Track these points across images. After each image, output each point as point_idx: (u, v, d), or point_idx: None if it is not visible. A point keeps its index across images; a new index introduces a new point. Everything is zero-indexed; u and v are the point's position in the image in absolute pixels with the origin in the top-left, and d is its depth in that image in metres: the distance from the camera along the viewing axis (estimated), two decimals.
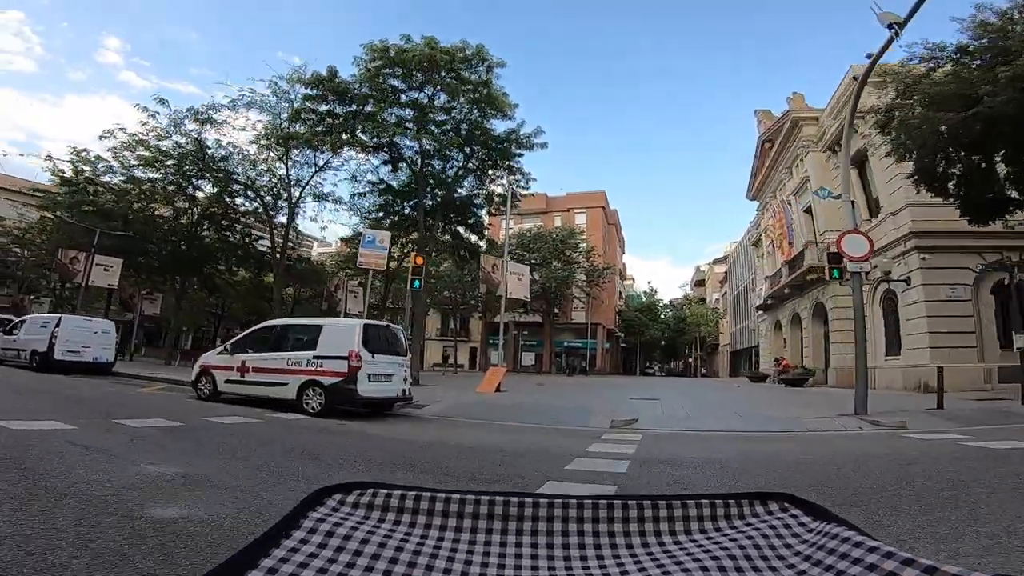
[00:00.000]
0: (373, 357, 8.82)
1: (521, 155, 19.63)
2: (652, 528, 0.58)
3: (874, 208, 20.14)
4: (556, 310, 44.09)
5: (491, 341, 51.80)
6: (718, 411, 11.01)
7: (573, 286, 42.49)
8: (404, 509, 0.59)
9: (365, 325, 9.37)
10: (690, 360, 72.56)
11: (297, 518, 0.54)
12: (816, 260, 21.40)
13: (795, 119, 25.21)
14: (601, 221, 51.04)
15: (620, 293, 64.97)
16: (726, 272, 56.24)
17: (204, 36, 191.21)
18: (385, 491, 0.60)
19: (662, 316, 58.52)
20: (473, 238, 22.39)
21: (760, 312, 33.18)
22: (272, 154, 21.80)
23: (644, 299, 61.09)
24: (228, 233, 24.87)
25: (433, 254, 21.74)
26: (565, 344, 47.45)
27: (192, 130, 20.79)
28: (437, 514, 0.59)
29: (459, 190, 20.66)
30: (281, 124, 20.43)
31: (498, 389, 14.74)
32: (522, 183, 20.59)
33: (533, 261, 38.54)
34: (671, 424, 8.70)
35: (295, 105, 19.55)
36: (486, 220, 22.89)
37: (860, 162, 20.80)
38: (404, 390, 9.58)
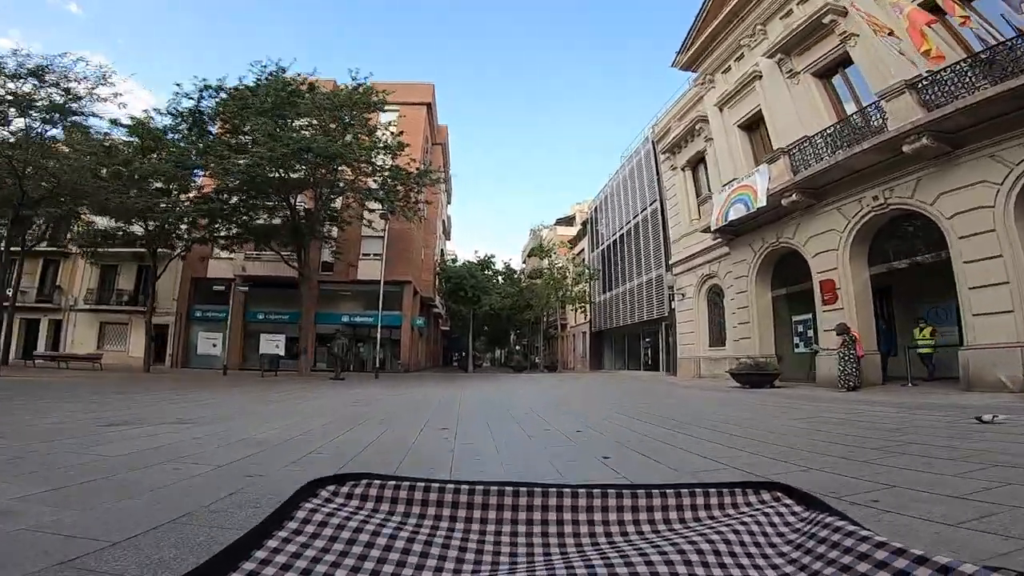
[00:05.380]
0: None
1: None
2: (647, 517, 0.57)
3: None
4: (327, 250, 22.75)
5: (199, 313, 27.72)
6: None
7: (363, 202, 21.72)
8: (398, 500, 0.57)
9: None
10: (518, 347, 58.33)
11: (290, 509, 0.52)
12: None
13: None
14: (423, 127, 30.45)
15: (442, 252, 45.88)
16: (583, 224, 41.97)
17: None
18: (379, 482, 0.59)
19: (499, 281, 41.48)
20: None
21: (717, 248, 17.72)
22: None
23: (468, 266, 42.47)
24: None
25: None
26: (346, 320, 26.57)
27: None
28: (432, 504, 0.57)
29: None
30: None
31: None
32: None
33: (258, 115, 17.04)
34: None
35: None
36: None
37: None
38: None
